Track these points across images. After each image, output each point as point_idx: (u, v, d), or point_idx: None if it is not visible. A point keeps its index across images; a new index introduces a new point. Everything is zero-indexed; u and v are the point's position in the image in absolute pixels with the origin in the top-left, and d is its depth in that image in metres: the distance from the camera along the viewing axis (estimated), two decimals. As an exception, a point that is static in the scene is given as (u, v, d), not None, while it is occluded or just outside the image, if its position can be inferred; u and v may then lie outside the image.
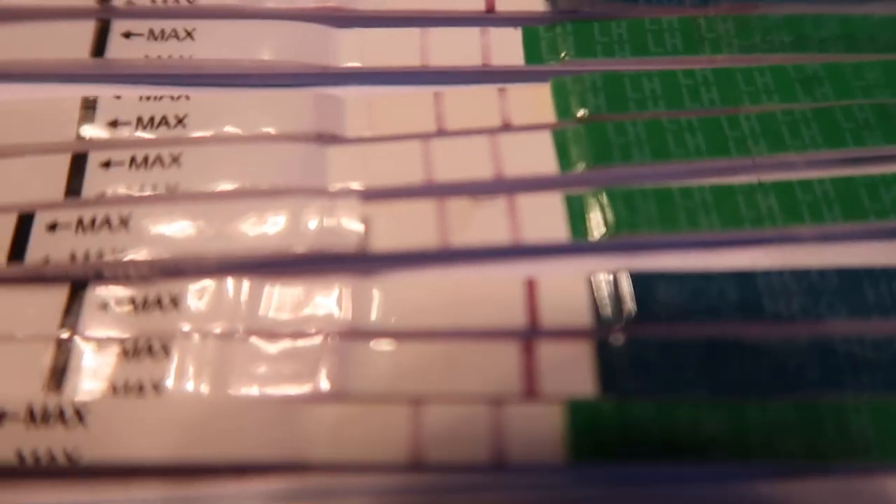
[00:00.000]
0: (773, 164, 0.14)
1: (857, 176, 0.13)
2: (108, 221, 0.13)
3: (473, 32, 0.16)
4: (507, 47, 0.15)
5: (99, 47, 0.15)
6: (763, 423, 0.11)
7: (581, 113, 0.14)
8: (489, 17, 0.16)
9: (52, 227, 0.13)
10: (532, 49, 0.15)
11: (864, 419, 0.11)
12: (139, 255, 0.12)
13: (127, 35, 0.15)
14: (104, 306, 0.12)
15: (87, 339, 0.12)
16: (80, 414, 0.11)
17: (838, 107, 0.14)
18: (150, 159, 0.14)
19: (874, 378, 0.12)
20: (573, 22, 0.15)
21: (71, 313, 0.12)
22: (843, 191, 0.13)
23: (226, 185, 0.13)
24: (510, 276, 0.13)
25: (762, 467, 0.11)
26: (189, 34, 0.15)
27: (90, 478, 0.11)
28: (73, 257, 0.12)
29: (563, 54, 0.15)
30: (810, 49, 0.15)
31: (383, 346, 0.12)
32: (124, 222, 0.13)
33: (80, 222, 0.13)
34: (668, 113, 0.14)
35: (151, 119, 0.14)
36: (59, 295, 0.12)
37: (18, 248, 0.13)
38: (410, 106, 0.15)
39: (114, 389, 0.12)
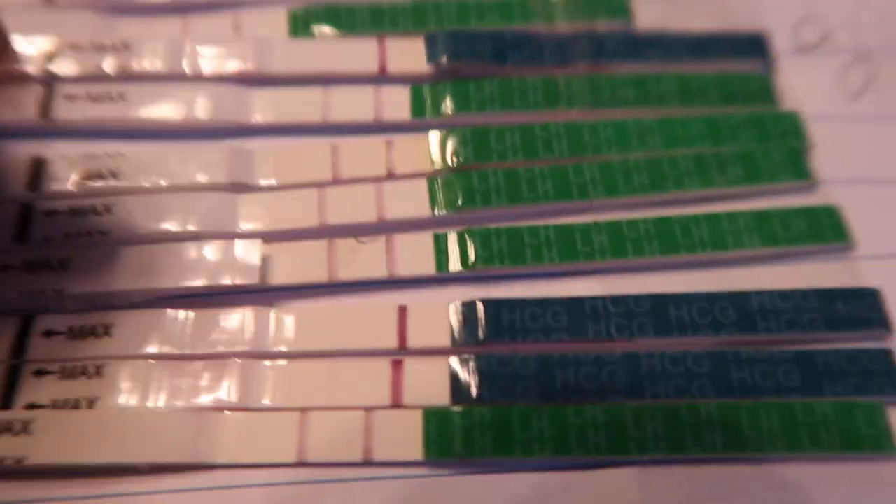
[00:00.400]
0: (607, 205, 0.17)
1: (673, 216, 0.16)
2: (48, 264, 0.15)
3: (368, 91, 0.18)
4: (396, 103, 0.18)
5: (45, 109, 0.18)
6: (579, 424, 0.14)
7: (452, 162, 0.17)
8: (382, 77, 0.18)
9: (3, 268, 0.15)
10: (418, 105, 0.18)
11: (658, 420, 0.14)
12: (76, 290, 0.15)
13: (70, 97, 0.18)
14: (48, 334, 0.15)
15: (33, 362, 0.15)
16: (25, 425, 0.14)
17: (665, 156, 0.17)
18: (86, 208, 0.16)
19: (668, 386, 0.14)
20: (452, 81, 0.18)
21: (21, 341, 0.15)
22: (662, 229, 0.16)
23: (150, 230, 0.16)
24: (386, 304, 0.16)
25: (577, 460, 0.14)
26: (121, 96, 0.18)
27: (35, 478, 0.14)
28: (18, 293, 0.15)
29: (443, 109, 0.18)
30: (650, 103, 0.18)
31: (278, 364, 0.15)
32: (63, 265, 0.15)
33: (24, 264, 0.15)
34: (525, 162, 0.17)
35: (89, 174, 0.17)
36: (11, 324, 0.15)
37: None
38: (310, 157, 0.17)
39: (54, 404, 0.14)
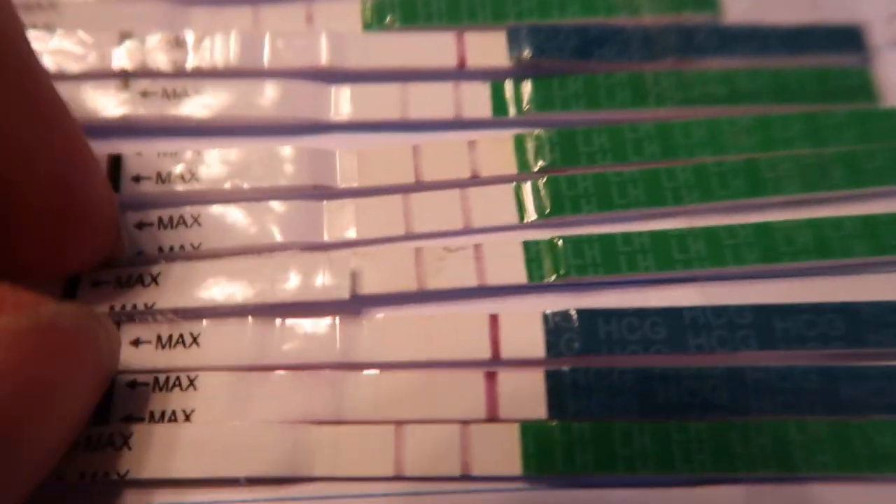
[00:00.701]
0: (702, 210, 0.16)
1: (774, 222, 0.16)
2: (140, 279, 0.15)
3: (447, 87, 0.18)
4: (477, 100, 0.18)
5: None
6: (683, 440, 0.14)
7: (539, 166, 0.16)
8: (461, 72, 0.18)
9: (96, 284, 0.15)
10: (498, 101, 0.17)
11: (766, 437, 0.14)
12: (167, 305, 0.15)
13: (144, 94, 0.17)
14: (136, 343, 0.15)
15: (125, 372, 0.15)
16: (125, 439, 0.14)
17: (763, 158, 0.16)
18: (175, 220, 0.16)
19: (774, 402, 0.14)
20: (535, 77, 0.18)
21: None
22: (762, 235, 0.16)
23: (239, 241, 0.16)
24: (476, 313, 0.15)
25: (682, 478, 0.14)
26: (196, 91, 0.17)
27: (136, 486, 0.14)
28: (111, 308, 0.15)
29: (525, 107, 0.17)
30: (743, 101, 0.17)
31: (370, 375, 0.15)
32: (155, 279, 0.15)
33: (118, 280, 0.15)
34: (614, 166, 0.16)
35: (168, 174, 0.16)
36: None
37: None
38: (392, 158, 0.17)
39: (151, 417, 0.14)
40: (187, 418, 0.14)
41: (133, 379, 0.14)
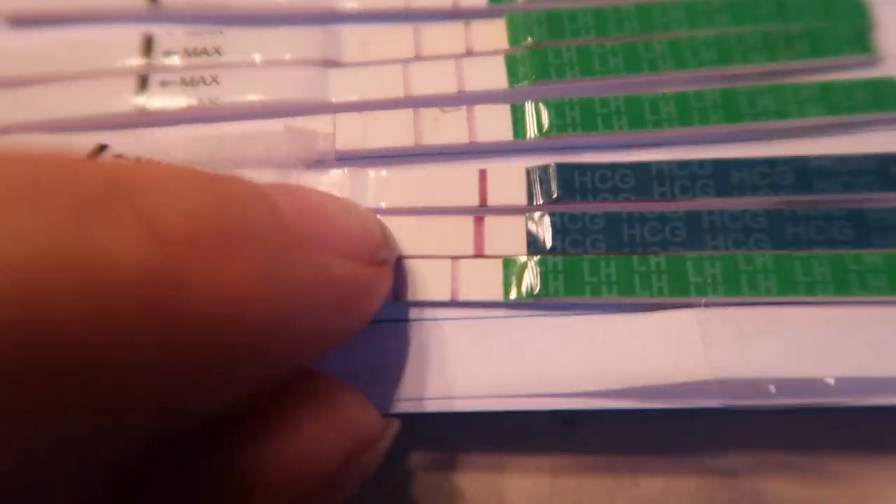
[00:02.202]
0: (675, 79, 0.18)
1: (738, 87, 0.17)
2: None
3: (446, -17, 0.19)
4: (474, -4, 0.19)
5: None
6: (644, 271, 0.16)
7: (528, 41, 0.18)
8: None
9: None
10: (495, -9, 0.19)
11: (717, 267, 0.16)
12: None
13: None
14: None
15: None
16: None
17: (734, 33, 0.18)
18: (196, 79, 0.18)
19: (727, 239, 0.16)
20: (528, -32, 0.19)
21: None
22: (727, 98, 0.17)
23: (253, 98, 0.18)
24: (467, 168, 0.17)
25: (641, 304, 0.16)
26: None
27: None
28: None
29: (519, -5, 0.19)
30: (718, -16, 0.19)
31: (373, 219, 0.17)
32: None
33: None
34: (597, 39, 0.18)
35: (195, 49, 0.18)
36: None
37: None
38: (393, 38, 0.19)
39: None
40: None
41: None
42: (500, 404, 0.15)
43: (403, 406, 0.15)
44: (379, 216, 0.17)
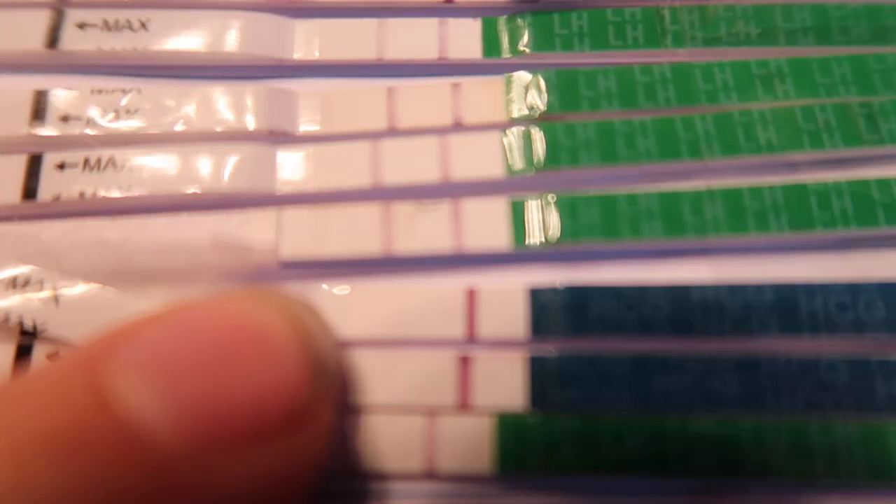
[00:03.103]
0: (724, 167, 0.14)
1: (808, 183, 0.13)
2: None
3: (431, 23, 0.15)
4: (466, 39, 0.15)
5: (53, 39, 0.15)
6: (683, 441, 0.12)
7: (532, 112, 0.14)
8: (448, 8, 0.15)
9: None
10: (491, 41, 0.15)
11: (781, 438, 0.12)
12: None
13: (81, 26, 0.15)
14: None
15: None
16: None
17: (799, 106, 0.14)
18: (103, 162, 0.14)
19: (795, 398, 0.12)
20: (533, 13, 0.15)
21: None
22: (794, 197, 0.13)
23: (172, 189, 0.14)
24: (452, 284, 0.13)
25: (680, 483, 0.12)
26: (143, 25, 0.15)
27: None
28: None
29: (521, 47, 0.15)
30: (778, 42, 0.15)
31: (325, 352, 0.13)
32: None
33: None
34: (622, 113, 0.14)
35: (103, 111, 0.14)
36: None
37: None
38: (363, 102, 0.15)
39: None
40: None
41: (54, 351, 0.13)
42: None
43: None
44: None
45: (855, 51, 0.14)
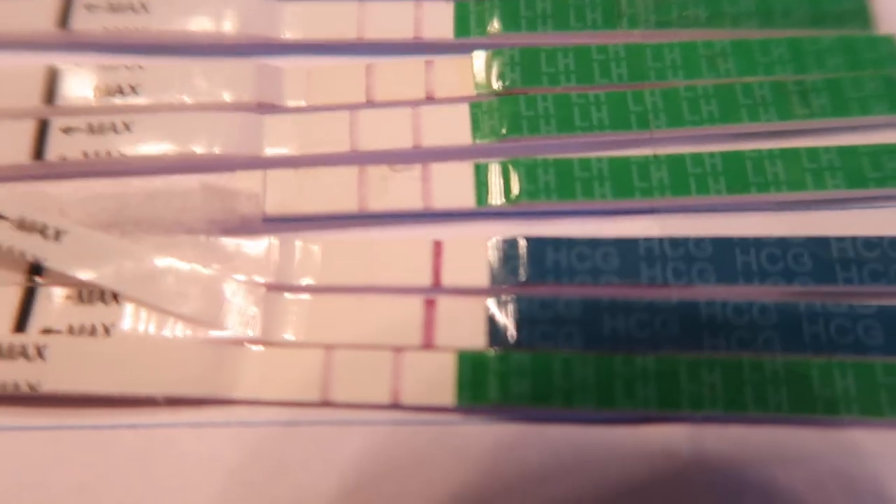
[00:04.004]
0: (670, 138, 0.15)
1: (744, 150, 0.15)
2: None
3: (408, 6, 0.17)
4: (439, 21, 0.16)
5: (63, 19, 0.16)
6: (627, 375, 0.13)
7: (497, 86, 0.15)
8: (423, -9, 0.17)
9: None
10: (462, 23, 0.16)
11: (716, 374, 0.13)
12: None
13: (89, 7, 0.17)
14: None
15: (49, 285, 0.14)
16: (40, 350, 0.13)
17: (739, 83, 0.15)
18: (105, 126, 0.15)
19: (729, 338, 0.13)
20: (501, -3, 0.16)
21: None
22: (730, 164, 0.14)
23: (170, 150, 0.15)
24: (420, 238, 0.14)
25: (622, 415, 0.13)
26: (144, 6, 0.17)
27: (49, 405, 0.13)
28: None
29: (489, 28, 0.16)
30: (724, 25, 0.16)
31: (303, 297, 0.14)
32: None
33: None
34: (579, 87, 0.15)
35: (108, 87, 0.16)
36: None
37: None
38: (343, 77, 0.16)
39: (70, 330, 0.14)
40: (107, 332, 0.13)
41: (55, 291, 0.14)
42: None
43: None
44: (309, 294, 0.14)
45: (794, 33, 0.16)
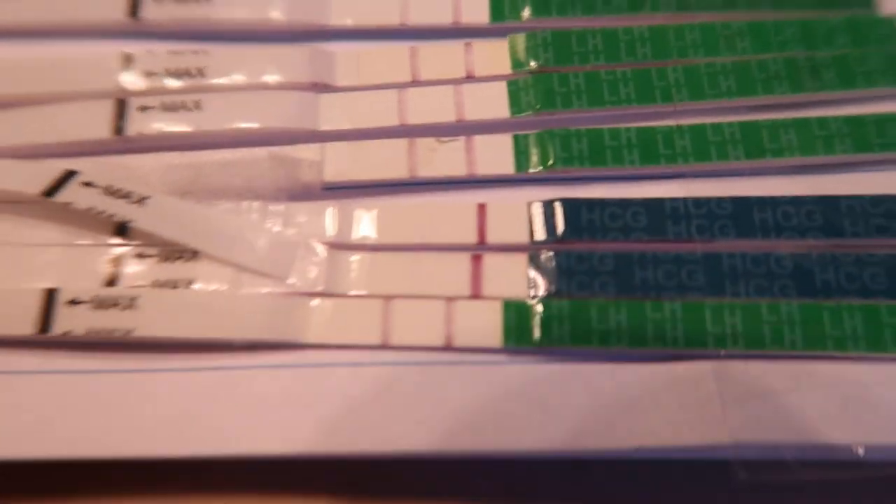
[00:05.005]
0: (691, 110, 0.16)
1: (760, 120, 0.16)
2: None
3: (446, -7, 0.18)
4: (475, 6, 0.18)
5: (133, 9, 0.18)
6: (657, 318, 0.14)
7: (532, 65, 0.17)
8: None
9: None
10: (497, 8, 0.18)
11: (737, 317, 0.14)
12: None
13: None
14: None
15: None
16: (132, 301, 0.15)
17: (755, 60, 0.17)
18: (177, 104, 0.17)
19: (748, 285, 0.14)
20: (534, -17, 0.18)
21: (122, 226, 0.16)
22: (747, 133, 0.16)
23: (238, 125, 0.16)
24: (465, 202, 0.16)
25: (654, 353, 0.14)
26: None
27: (138, 350, 0.15)
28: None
29: (522, 13, 0.18)
30: (740, 6, 0.17)
31: (362, 255, 0.15)
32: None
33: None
34: (606, 66, 0.17)
35: (177, 70, 0.17)
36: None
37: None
38: (390, 59, 0.17)
39: (154, 284, 0.15)
40: (188, 286, 0.15)
41: (140, 252, 0.15)
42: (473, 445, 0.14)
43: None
44: (367, 252, 0.15)
45: (804, 15, 0.17)
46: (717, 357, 0.14)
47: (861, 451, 0.13)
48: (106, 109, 0.17)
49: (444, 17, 0.18)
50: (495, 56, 0.17)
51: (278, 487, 0.15)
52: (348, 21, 0.18)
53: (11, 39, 0.18)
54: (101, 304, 0.15)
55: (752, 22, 0.17)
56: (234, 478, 0.15)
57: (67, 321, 0.14)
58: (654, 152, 0.16)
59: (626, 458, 0.14)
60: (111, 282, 0.15)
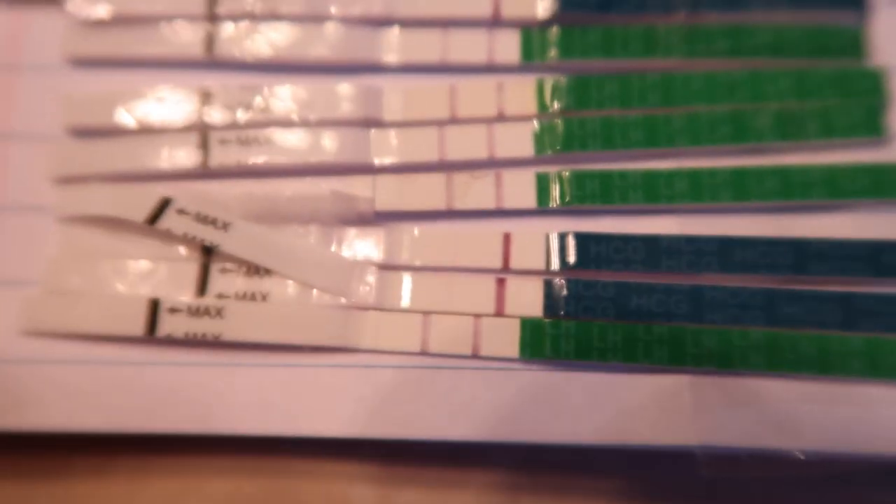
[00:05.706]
0: (690, 152, 0.19)
1: (748, 168, 0.18)
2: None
3: (482, 34, 0.20)
4: (507, 47, 0.20)
5: (209, 46, 0.21)
6: (647, 339, 0.17)
7: (555, 108, 0.19)
8: (494, 21, 0.20)
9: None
10: (527, 48, 0.20)
11: (713, 340, 0.17)
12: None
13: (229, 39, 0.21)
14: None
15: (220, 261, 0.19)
16: (219, 310, 0.18)
17: (750, 109, 0.19)
18: (250, 139, 0.20)
19: (725, 314, 0.17)
20: (560, 27, 0.20)
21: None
22: (737, 178, 0.18)
23: (302, 160, 0.19)
24: (494, 231, 0.19)
25: (642, 367, 0.17)
26: (271, 42, 0.21)
27: (227, 349, 0.18)
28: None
29: (549, 54, 0.20)
30: (743, 55, 0.20)
31: (406, 274, 0.19)
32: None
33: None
34: (620, 111, 0.19)
35: (248, 104, 0.20)
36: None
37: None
38: (431, 97, 0.20)
39: (235, 296, 0.19)
40: (264, 299, 0.18)
41: (223, 267, 0.19)
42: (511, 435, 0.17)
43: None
44: (410, 273, 0.19)
45: (799, 63, 0.19)
46: (694, 373, 0.17)
47: (801, 456, 0.16)
48: (192, 141, 0.20)
49: (479, 57, 0.20)
50: (524, 97, 0.20)
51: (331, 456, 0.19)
52: (396, 58, 0.20)
53: (94, 69, 0.21)
54: (196, 312, 0.18)
55: (752, 72, 0.19)
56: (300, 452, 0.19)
57: (169, 325, 0.18)
58: (655, 192, 0.19)
59: (617, 449, 0.18)
60: (201, 291, 0.19)
